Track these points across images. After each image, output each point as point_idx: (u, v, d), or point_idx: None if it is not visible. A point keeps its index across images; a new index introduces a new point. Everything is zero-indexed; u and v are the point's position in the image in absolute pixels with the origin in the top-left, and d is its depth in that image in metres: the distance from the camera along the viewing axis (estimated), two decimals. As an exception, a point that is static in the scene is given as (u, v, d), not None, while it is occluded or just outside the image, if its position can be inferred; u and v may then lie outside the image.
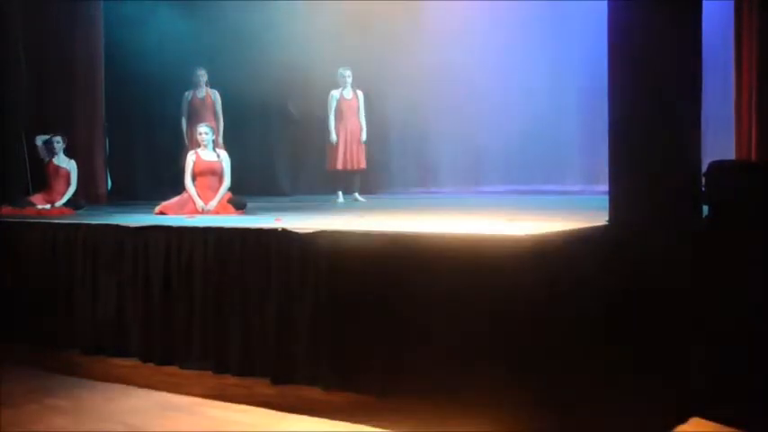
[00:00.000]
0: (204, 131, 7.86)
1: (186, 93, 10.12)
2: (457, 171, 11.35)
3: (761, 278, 4.89)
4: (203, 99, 10.04)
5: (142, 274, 6.11)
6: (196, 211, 7.40)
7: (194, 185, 7.63)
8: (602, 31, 5.28)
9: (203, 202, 7.50)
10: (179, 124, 10.19)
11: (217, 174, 7.72)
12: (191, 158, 7.77)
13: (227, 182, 7.70)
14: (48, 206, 8.30)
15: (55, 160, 8.62)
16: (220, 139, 9.68)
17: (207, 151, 7.79)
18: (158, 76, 10.61)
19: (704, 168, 5.32)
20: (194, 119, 9.96)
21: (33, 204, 8.30)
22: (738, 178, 5.30)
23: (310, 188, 11.45)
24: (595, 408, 4.45)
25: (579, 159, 10.28)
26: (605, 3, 5.25)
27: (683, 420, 4.49)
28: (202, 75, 10.07)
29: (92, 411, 5.07)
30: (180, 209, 7.45)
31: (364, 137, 9.81)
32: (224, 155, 7.87)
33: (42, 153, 8.79)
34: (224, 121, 10.08)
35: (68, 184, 8.62)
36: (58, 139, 8.71)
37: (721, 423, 4.43)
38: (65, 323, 6.52)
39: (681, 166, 5.08)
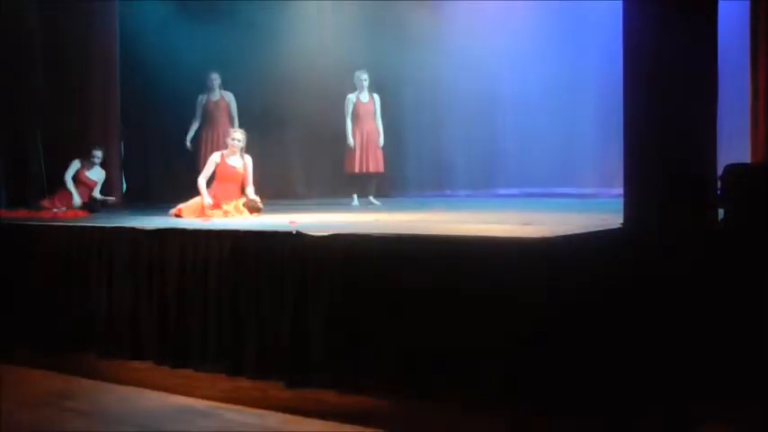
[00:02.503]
0: (238, 138, 7.72)
1: (201, 96, 10.12)
2: (472, 174, 11.34)
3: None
4: (217, 102, 10.05)
5: (157, 277, 6.13)
6: (212, 214, 7.38)
7: (211, 188, 7.61)
8: (618, 34, 5.28)
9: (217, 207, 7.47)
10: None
11: (237, 182, 7.69)
12: (214, 159, 7.69)
13: (250, 188, 7.69)
14: (63, 209, 8.34)
15: (88, 171, 8.97)
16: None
17: (234, 157, 7.72)
18: (173, 80, 10.65)
19: (719, 171, 5.30)
20: (209, 122, 10.03)
21: (49, 208, 8.35)
22: (754, 181, 5.28)
23: (325, 191, 11.44)
24: (609, 410, 4.44)
25: (594, 162, 10.26)
26: (620, 4, 5.24)
27: (699, 426, 4.46)
28: (216, 78, 10.07)
29: (108, 414, 5.09)
30: (195, 212, 7.44)
31: (381, 141, 9.71)
32: (249, 161, 7.81)
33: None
34: (239, 123, 10.08)
35: (91, 193, 8.98)
36: (99, 154, 9.09)
37: (736, 427, 4.41)
38: (80, 326, 6.54)
39: (696, 169, 5.07)
